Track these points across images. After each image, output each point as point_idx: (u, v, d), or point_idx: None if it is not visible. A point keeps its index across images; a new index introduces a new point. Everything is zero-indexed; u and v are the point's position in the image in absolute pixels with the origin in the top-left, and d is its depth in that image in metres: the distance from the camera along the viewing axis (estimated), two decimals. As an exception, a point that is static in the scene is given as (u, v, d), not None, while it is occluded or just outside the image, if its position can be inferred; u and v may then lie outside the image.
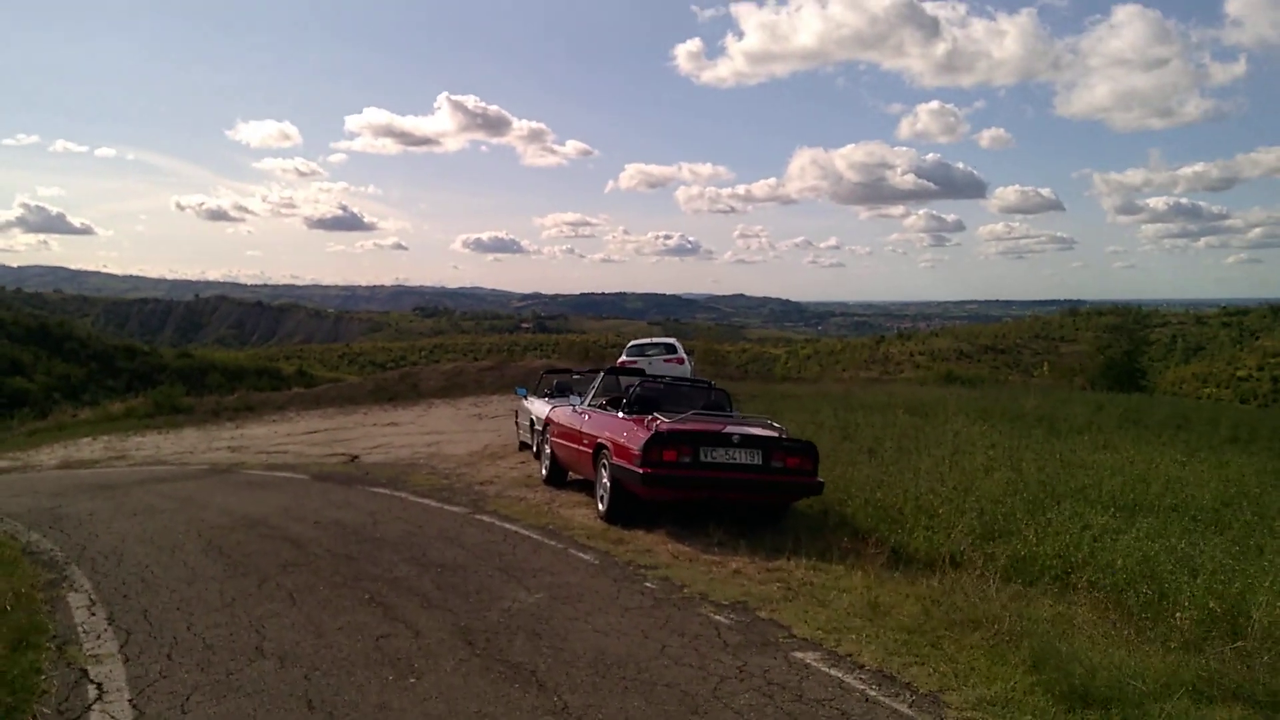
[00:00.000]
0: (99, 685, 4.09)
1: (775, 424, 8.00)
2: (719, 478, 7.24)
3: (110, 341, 75.23)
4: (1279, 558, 6.07)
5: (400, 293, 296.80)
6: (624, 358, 19.93)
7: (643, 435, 7.32)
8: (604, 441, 7.98)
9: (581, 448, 8.65)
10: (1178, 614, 5.01)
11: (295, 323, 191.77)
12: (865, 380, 34.45)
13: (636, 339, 22.99)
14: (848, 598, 5.49)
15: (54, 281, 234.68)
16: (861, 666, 4.42)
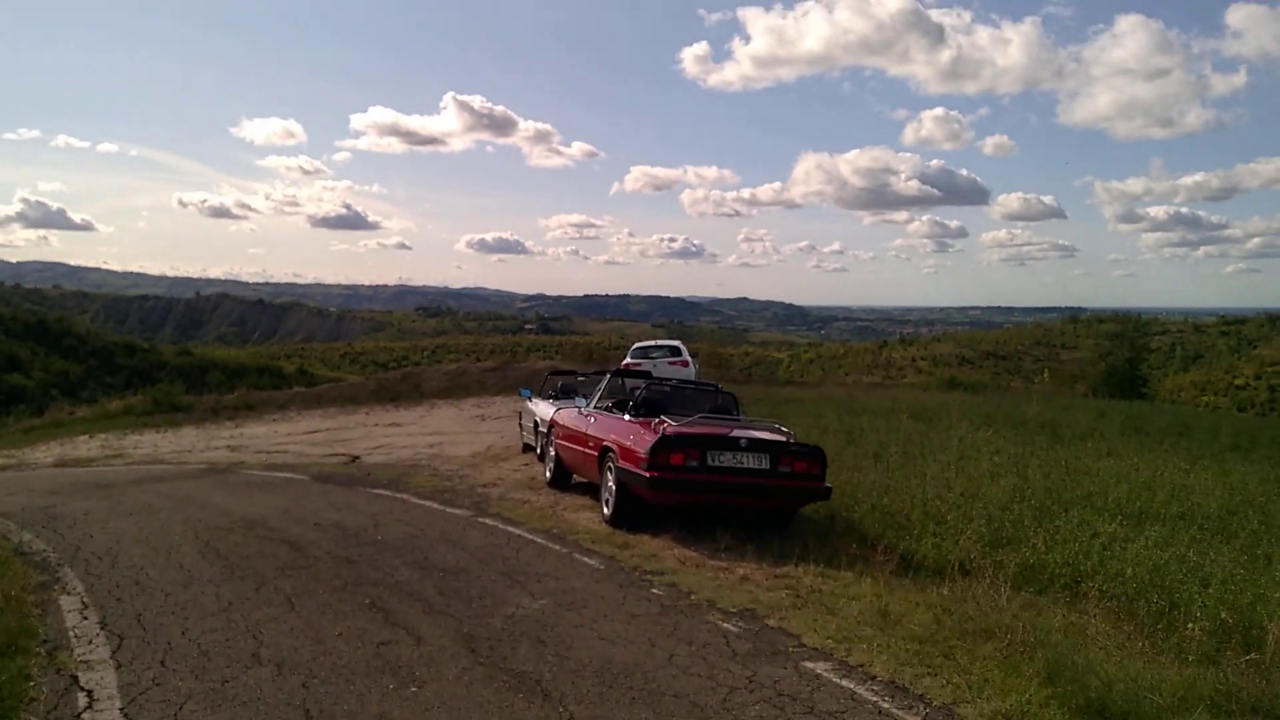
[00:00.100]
0: (89, 693, 3.98)
1: (783, 428, 7.91)
2: (726, 482, 7.15)
3: (109, 338, 74.94)
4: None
5: (403, 292, 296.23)
6: (628, 360, 19.83)
7: (650, 438, 7.23)
8: (610, 444, 7.89)
9: (587, 450, 8.55)
10: (1190, 625, 4.96)
11: (297, 321, 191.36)
12: (868, 385, 34.38)
13: (641, 341, 22.90)
14: (857, 605, 5.40)
15: (53, 277, 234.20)
16: (874, 678, 4.33)
